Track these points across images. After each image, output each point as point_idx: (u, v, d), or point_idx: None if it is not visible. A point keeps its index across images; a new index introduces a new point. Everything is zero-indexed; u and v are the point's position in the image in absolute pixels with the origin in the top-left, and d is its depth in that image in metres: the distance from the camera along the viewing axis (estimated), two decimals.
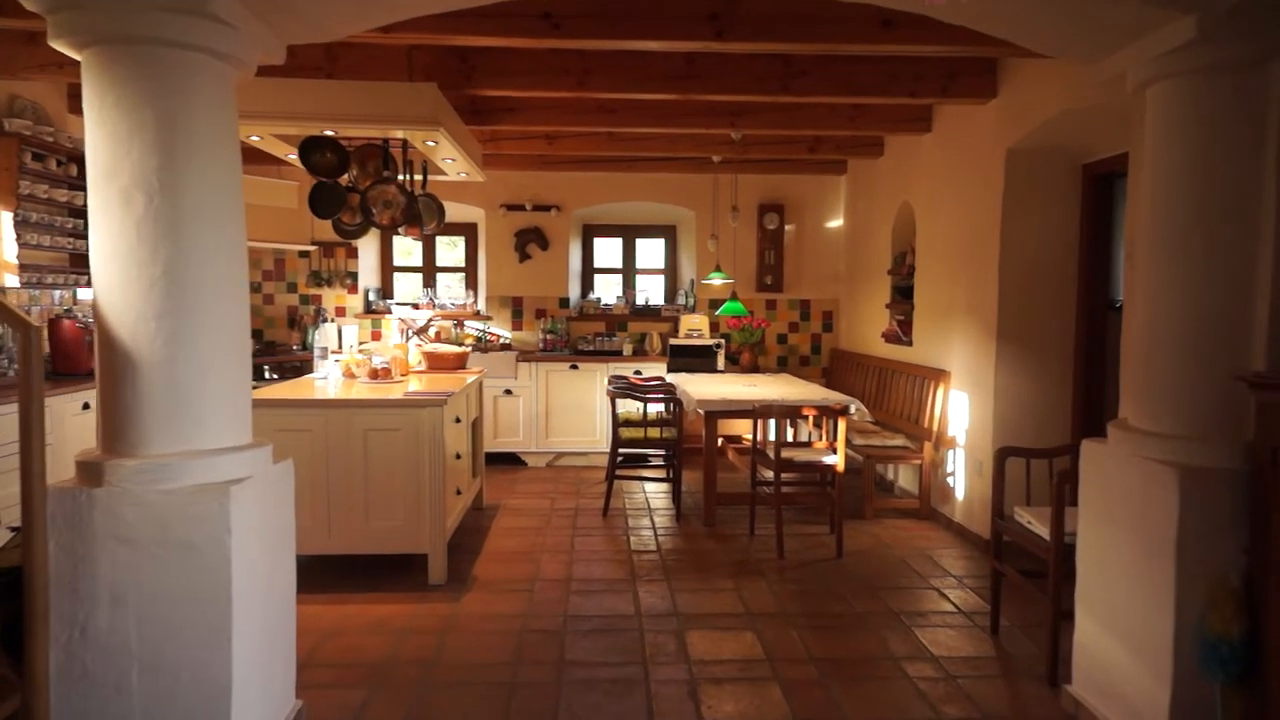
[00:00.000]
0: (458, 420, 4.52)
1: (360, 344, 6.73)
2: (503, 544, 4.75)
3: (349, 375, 4.78)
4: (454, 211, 7.10)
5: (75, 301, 5.29)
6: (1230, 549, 2.34)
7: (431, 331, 7.08)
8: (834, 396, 5.23)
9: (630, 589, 4.03)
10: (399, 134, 4.30)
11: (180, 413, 2.23)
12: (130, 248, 2.17)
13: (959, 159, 5.14)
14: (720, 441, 6.61)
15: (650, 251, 7.96)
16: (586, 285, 7.83)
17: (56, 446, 4.34)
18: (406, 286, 7.77)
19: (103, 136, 2.16)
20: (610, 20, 3.56)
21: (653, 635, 3.49)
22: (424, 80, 4.14)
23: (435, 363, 5.42)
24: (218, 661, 2.22)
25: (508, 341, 7.44)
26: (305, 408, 4.02)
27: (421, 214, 4.80)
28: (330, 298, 7.39)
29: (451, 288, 7.74)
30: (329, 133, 4.26)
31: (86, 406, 4.51)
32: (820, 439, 5.12)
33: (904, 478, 6.05)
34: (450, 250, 7.83)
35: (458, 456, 4.52)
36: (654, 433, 5.41)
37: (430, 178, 5.14)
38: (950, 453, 5.23)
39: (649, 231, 7.89)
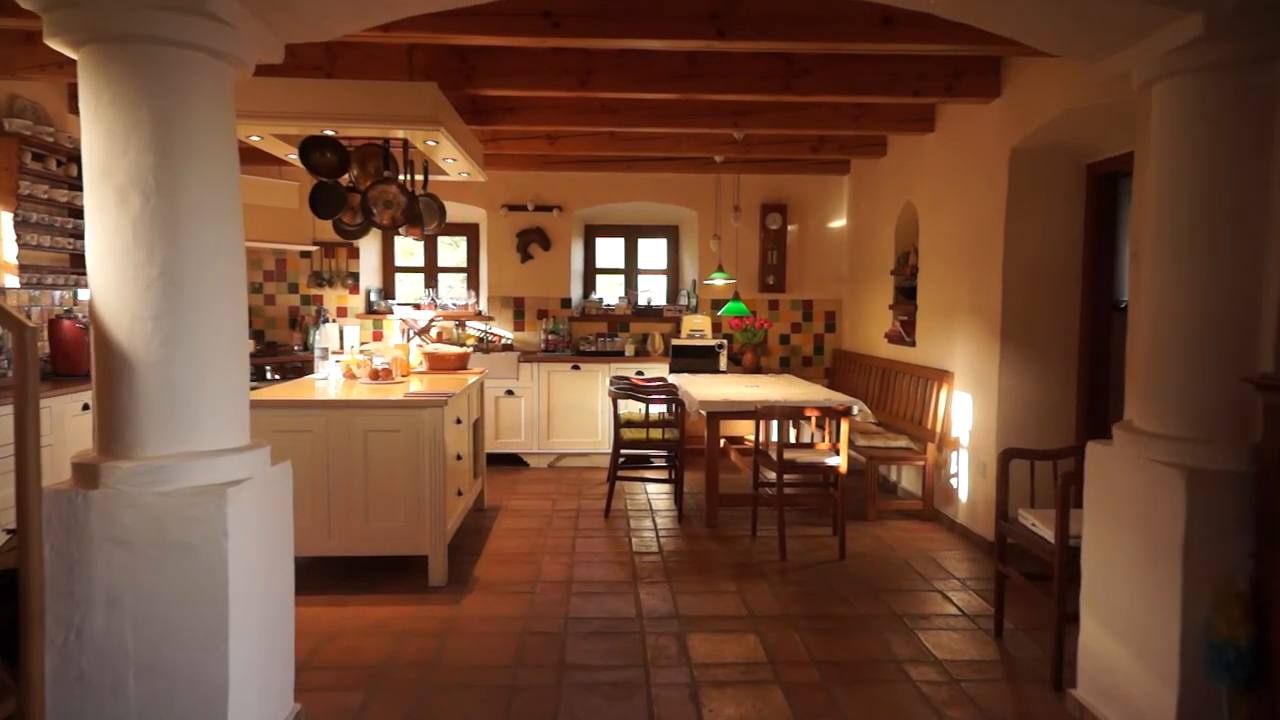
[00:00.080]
0: (458, 421, 4.51)
1: (362, 344, 6.73)
2: (504, 545, 4.73)
3: (349, 376, 4.77)
4: (455, 212, 7.09)
5: (76, 302, 5.29)
6: (1237, 552, 2.31)
7: (433, 332, 7.07)
8: (836, 397, 5.21)
9: (632, 591, 4.01)
10: (399, 134, 4.28)
11: (177, 414, 2.21)
12: (126, 247, 2.15)
13: (962, 158, 5.12)
14: (722, 442, 6.59)
15: (652, 252, 7.94)
16: (588, 285, 7.81)
17: (57, 447, 4.33)
18: (408, 287, 7.75)
19: (99, 135, 2.14)
20: (610, 19, 3.54)
21: (654, 638, 3.46)
22: (424, 80, 4.13)
23: (436, 363, 5.41)
24: (215, 664, 2.20)
25: (509, 342, 7.42)
26: (305, 408, 4.00)
27: (422, 214, 4.78)
28: (332, 298, 7.38)
29: (453, 288, 7.72)
30: (329, 132, 4.25)
31: (86, 407, 4.50)
32: (823, 440, 5.09)
33: (907, 479, 6.03)
34: (452, 251, 7.81)
35: (458, 457, 4.51)
36: (656, 434, 5.39)
37: (431, 178, 5.12)
38: (953, 454, 5.21)
39: (651, 232, 7.87)
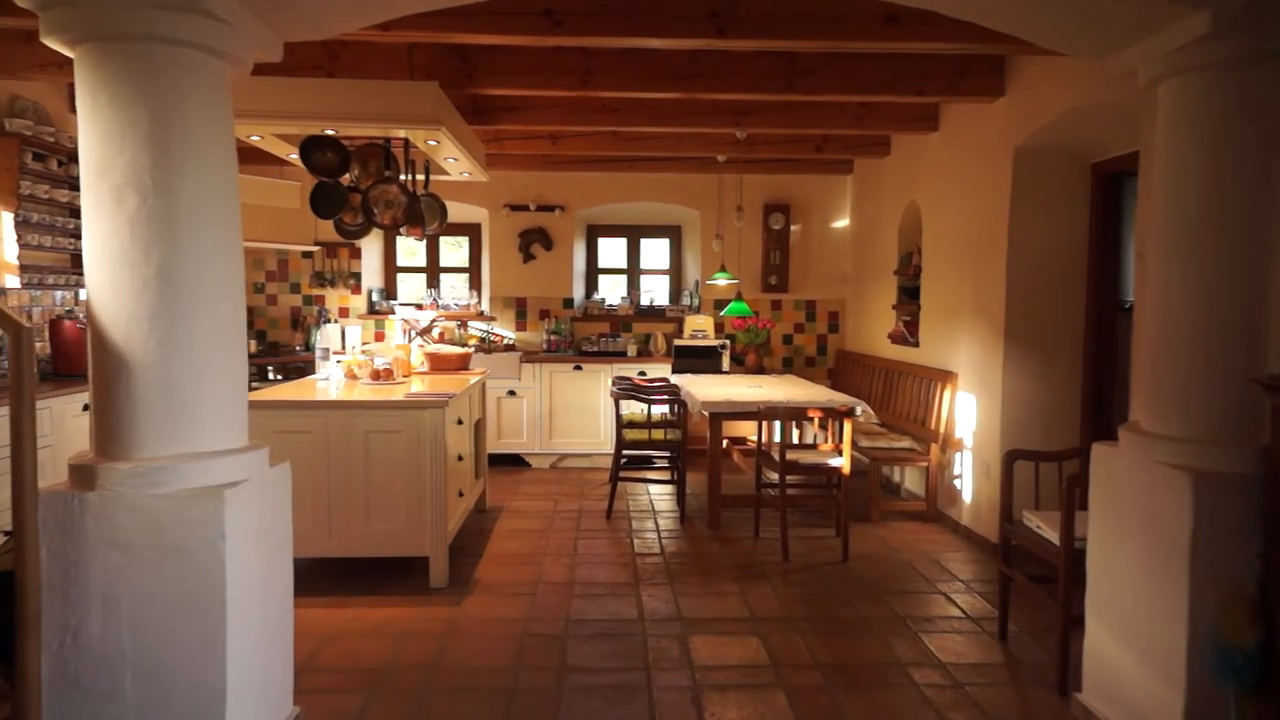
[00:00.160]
0: (460, 422, 4.49)
1: (363, 345, 6.72)
2: (505, 546, 4.71)
3: (351, 376, 4.75)
4: (457, 212, 7.08)
5: (77, 302, 5.28)
6: (1244, 555, 2.29)
7: (435, 332, 7.05)
8: (839, 398, 5.18)
9: (633, 593, 3.99)
10: (400, 133, 4.26)
11: (174, 415, 2.20)
12: (123, 247, 2.13)
13: (966, 158, 5.09)
14: (725, 443, 6.57)
15: (655, 252, 7.92)
16: (591, 286, 7.79)
17: (57, 448, 4.33)
18: (410, 287, 7.74)
19: (95, 134, 2.12)
20: (611, 17, 3.52)
21: (656, 640, 3.44)
22: (425, 79, 4.11)
23: (437, 364, 5.39)
24: (212, 668, 2.18)
25: (511, 342, 7.41)
26: (306, 409, 3.99)
27: (423, 214, 4.77)
28: (334, 298, 7.37)
29: (455, 288, 7.71)
30: (330, 132, 4.23)
31: (87, 408, 4.48)
32: (826, 441, 5.07)
33: (910, 480, 6.00)
34: (455, 251, 7.80)
35: (460, 458, 4.49)
36: (658, 434, 5.37)
37: (433, 178, 5.10)
38: (957, 455, 5.18)
39: (653, 232, 7.85)
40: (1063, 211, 4.53)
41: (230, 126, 2.35)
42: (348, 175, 4.53)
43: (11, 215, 4.55)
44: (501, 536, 4.91)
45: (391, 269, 7.68)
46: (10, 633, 2.02)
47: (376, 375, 4.65)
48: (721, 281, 6.64)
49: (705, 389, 5.51)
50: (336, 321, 7.24)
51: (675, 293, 7.85)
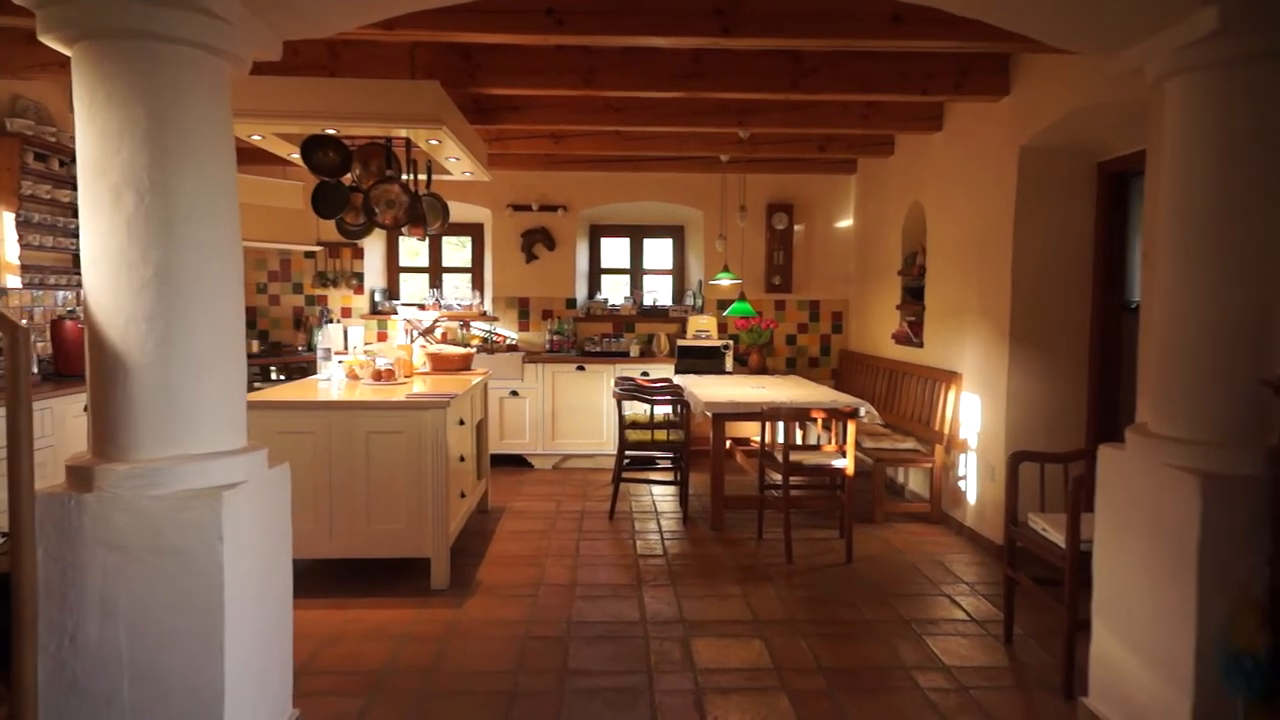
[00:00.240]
0: (461, 422, 4.47)
1: (366, 345, 6.71)
2: (507, 548, 4.69)
3: (352, 377, 4.74)
4: (460, 212, 7.07)
5: (78, 303, 5.27)
6: (1254, 559, 2.25)
7: (437, 332, 7.04)
8: (843, 399, 5.16)
9: (636, 594, 3.97)
10: (401, 132, 4.25)
11: (172, 416, 2.18)
12: (121, 247, 2.12)
13: (971, 158, 5.06)
14: (728, 444, 6.54)
15: (658, 252, 7.90)
16: (593, 286, 7.77)
17: (58, 448, 4.32)
18: (413, 287, 7.73)
19: (92, 134, 2.11)
20: (613, 16, 3.50)
21: (658, 643, 3.42)
22: (427, 78, 4.09)
23: (439, 364, 5.38)
24: (210, 670, 2.17)
25: (514, 342, 7.39)
26: (307, 410, 3.97)
27: (425, 214, 4.75)
28: (336, 298, 7.36)
29: (458, 288, 7.70)
30: (331, 131, 4.21)
31: (88, 408, 4.48)
32: (829, 442, 5.04)
33: (914, 481, 5.97)
34: (458, 251, 7.79)
35: (461, 459, 4.47)
36: (661, 435, 5.34)
37: (435, 177, 5.09)
38: (962, 456, 5.15)
39: (656, 232, 7.83)
40: (1068, 211, 4.50)
41: (229, 125, 2.34)
42: (349, 175, 4.52)
43: (13, 215, 4.55)
44: (503, 538, 4.89)
45: (394, 269, 7.66)
46: (7, 635, 2.00)
47: (378, 376, 4.63)
48: (725, 282, 6.62)
49: (708, 389, 5.48)
50: (339, 322, 7.23)
51: (678, 293, 7.83)
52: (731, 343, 7.05)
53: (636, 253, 7.84)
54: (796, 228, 7.48)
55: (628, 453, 5.40)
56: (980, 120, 4.91)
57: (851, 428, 4.58)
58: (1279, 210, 2.32)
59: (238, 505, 2.20)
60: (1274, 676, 2.17)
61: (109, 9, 2.05)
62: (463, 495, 4.52)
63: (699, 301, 7.54)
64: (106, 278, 2.13)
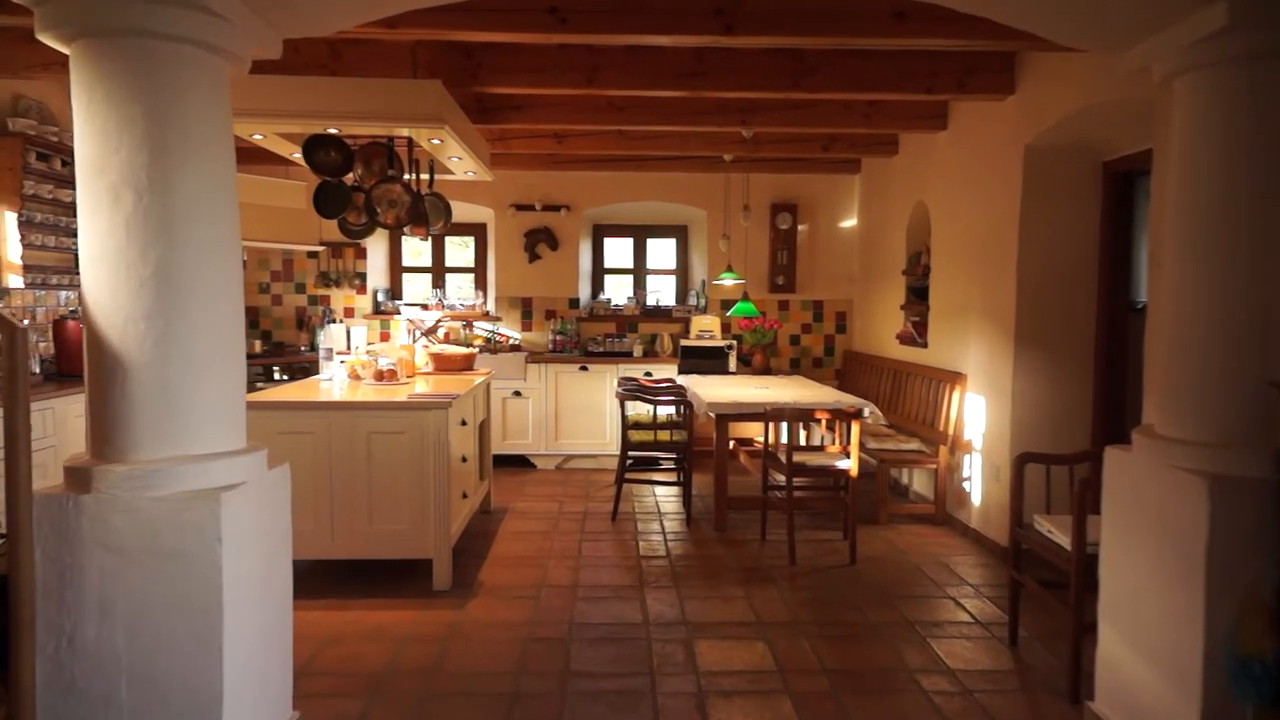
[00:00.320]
0: (464, 423, 4.46)
1: (368, 345, 6.70)
2: (509, 548, 4.68)
3: (354, 377, 4.73)
4: (463, 211, 7.05)
5: (81, 302, 5.26)
6: (1263, 562, 2.23)
7: (440, 332, 7.02)
8: (847, 399, 5.13)
9: (638, 596, 3.95)
10: (403, 132, 4.23)
11: (171, 417, 2.17)
12: (119, 246, 2.11)
13: (975, 157, 5.03)
14: (731, 445, 6.53)
15: (661, 252, 7.88)
16: (597, 286, 7.76)
17: (60, 448, 4.32)
18: (416, 287, 7.72)
19: (91, 132, 2.10)
20: (616, 14, 3.48)
21: (660, 645, 3.40)
22: (429, 77, 4.08)
23: (442, 364, 5.36)
24: (209, 672, 2.15)
25: (517, 342, 7.38)
26: (308, 410, 3.96)
27: (427, 214, 4.74)
28: (339, 298, 7.35)
29: (461, 288, 7.69)
30: (332, 131, 4.20)
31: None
32: (833, 442, 5.01)
33: (919, 482, 5.94)
34: (461, 251, 7.78)
35: (464, 459, 4.46)
36: (664, 435, 5.33)
37: (438, 177, 5.08)
38: (966, 457, 5.12)
39: (660, 231, 7.81)
40: (1073, 211, 4.47)
41: (229, 124, 2.32)
42: (351, 175, 4.51)
43: (15, 215, 4.54)
44: (506, 538, 4.87)
45: (397, 269, 7.66)
46: (5, 636, 1.99)
47: (380, 376, 4.62)
48: (728, 281, 6.59)
49: (711, 390, 5.46)
50: (342, 322, 7.22)
51: (681, 293, 7.81)
52: (735, 343, 7.02)
53: (640, 253, 7.82)
54: (800, 227, 7.46)
55: (631, 453, 5.38)
56: (985, 119, 4.89)
57: (855, 428, 4.56)
58: None
59: (237, 506, 2.19)
60: None
61: (107, 7, 2.04)
62: (465, 496, 4.51)
63: (702, 301, 7.52)
64: (105, 277, 2.12)
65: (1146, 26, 2.45)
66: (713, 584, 4.13)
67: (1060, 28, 2.69)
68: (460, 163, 4.83)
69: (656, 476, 6.16)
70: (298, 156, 4.48)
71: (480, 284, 7.62)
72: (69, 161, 4.97)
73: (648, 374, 6.75)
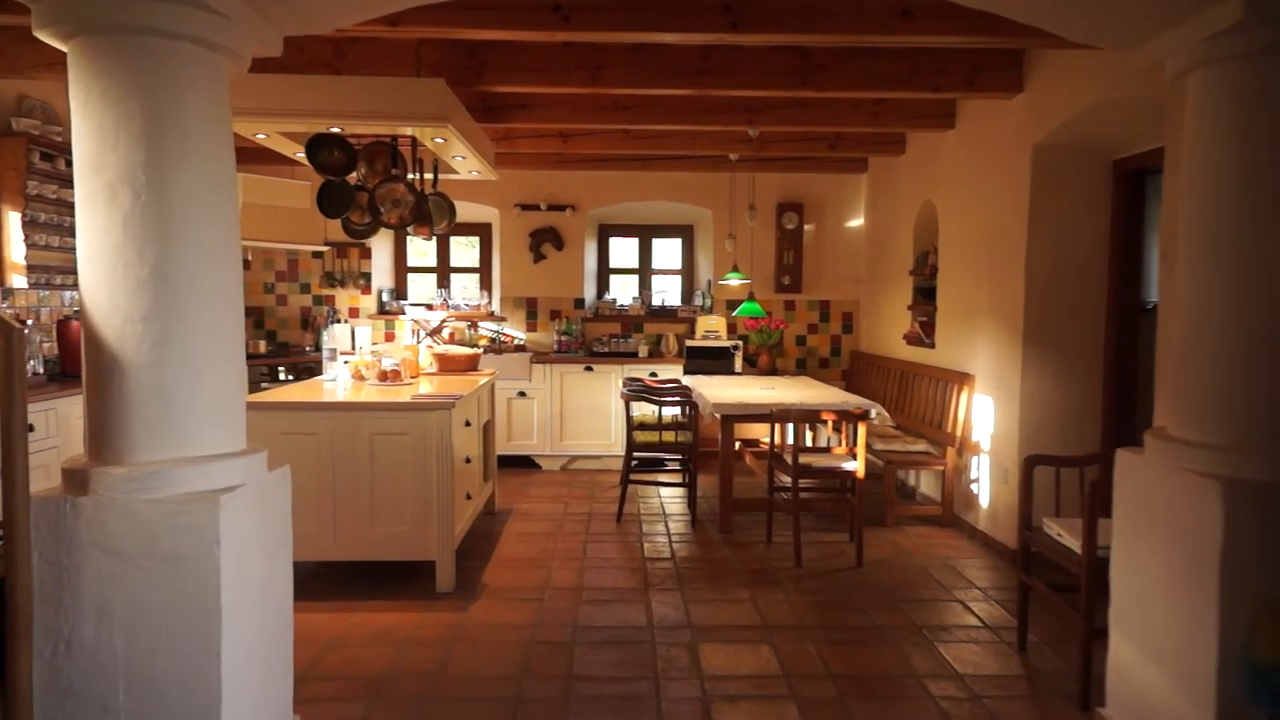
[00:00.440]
0: (468, 424, 4.43)
1: (373, 345, 6.68)
2: (513, 550, 4.65)
3: (358, 377, 4.71)
4: (468, 211, 7.03)
5: None
6: (1277, 568, 2.18)
7: (445, 333, 7.01)
8: (854, 400, 5.09)
9: (643, 598, 3.92)
10: (407, 130, 4.20)
11: (169, 418, 2.14)
12: (117, 245, 2.08)
13: (983, 156, 4.99)
14: (737, 446, 6.50)
15: (667, 252, 7.85)
16: (602, 286, 7.73)
17: (63, 449, 4.31)
18: (421, 287, 7.70)
19: (88, 130, 2.07)
20: (621, 11, 3.45)
21: (665, 648, 3.37)
22: (432, 76, 4.06)
23: (446, 364, 5.34)
24: (208, 676, 2.13)
25: (522, 343, 7.35)
26: (311, 411, 3.94)
27: (431, 213, 4.72)
28: (344, 298, 7.34)
29: (466, 288, 7.67)
30: (336, 130, 4.18)
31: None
32: (840, 444, 4.98)
33: (926, 484, 5.90)
34: (467, 251, 7.76)
35: (467, 460, 4.43)
36: (669, 436, 5.29)
37: (443, 176, 5.06)
38: (974, 459, 5.08)
39: (665, 231, 7.78)
40: (1083, 210, 4.43)
41: (228, 123, 2.30)
42: (354, 174, 4.49)
43: (19, 215, 4.53)
44: (510, 540, 4.85)
45: (402, 269, 7.64)
46: (2, 640, 1.97)
47: (384, 376, 4.60)
48: (734, 282, 6.56)
49: (717, 390, 5.43)
50: (346, 322, 7.21)
51: (687, 293, 7.77)
52: (741, 343, 6.99)
53: (645, 252, 7.79)
54: (806, 227, 7.42)
55: (636, 454, 5.35)
56: (993, 118, 4.84)
57: (862, 429, 4.52)
58: None
59: (236, 509, 2.16)
60: None
61: (105, 3, 2.01)
62: (469, 497, 4.48)
63: (708, 302, 7.49)
64: (102, 275, 2.09)
65: (1159, 22, 2.41)
66: (718, 587, 4.10)
67: (1071, 24, 2.64)
68: (464, 162, 4.81)
69: (662, 478, 6.13)
70: (301, 156, 4.46)
71: (485, 284, 7.60)
72: (73, 161, 4.96)
73: (653, 374, 6.72)
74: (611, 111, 5.10)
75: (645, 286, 7.72)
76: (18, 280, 4.57)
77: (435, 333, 6.92)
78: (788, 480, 4.62)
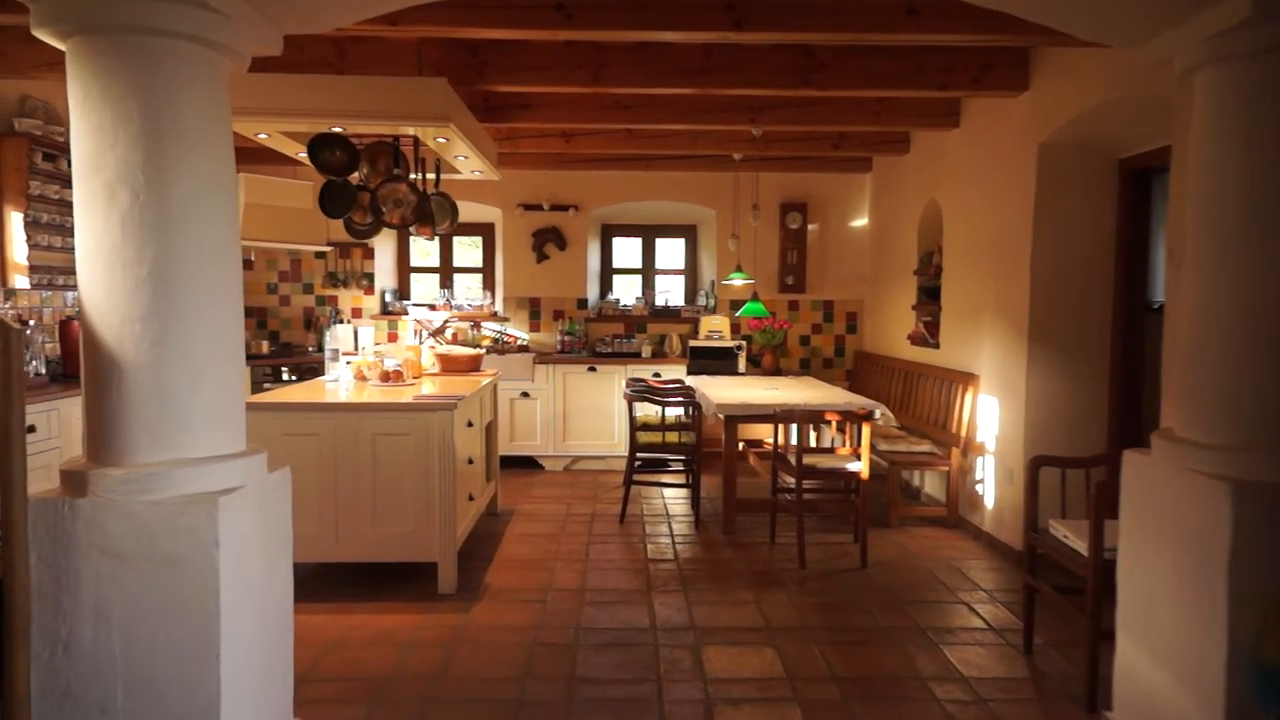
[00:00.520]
0: (470, 424, 4.42)
1: (375, 345, 6.67)
2: (516, 551, 4.63)
3: (360, 378, 4.70)
4: (471, 211, 7.02)
5: None
6: None
7: (448, 333, 6.99)
8: (858, 400, 5.07)
9: (646, 600, 3.90)
10: (409, 130, 4.19)
11: (167, 419, 2.13)
12: (115, 245, 2.07)
13: (988, 155, 4.96)
14: (741, 446, 6.47)
15: (670, 251, 7.83)
16: (605, 286, 7.71)
17: (65, 450, 4.30)
18: (424, 287, 7.69)
19: (86, 129, 2.06)
20: (623, 10, 3.44)
21: (668, 650, 3.35)
22: (434, 75, 4.04)
23: (448, 365, 5.33)
24: (206, 678, 2.11)
25: (525, 343, 7.34)
26: (313, 411, 3.93)
27: (433, 213, 4.70)
28: (347, 299, 7.33)
29: (469, 289, 7.65)
30: (337, 129, 4.17)
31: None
32: (844, 444, 4.96)
33: (930, 485, 5.87)
34: (470, 251, 7.75)
35: (470, 461, 4.42)
36: (673, 437, 5.27)
37: (445, 176, 5.05)
38: (979, 459, 5.05)
39: (669, 231, 7.76)
40: (1088, 209, 4.40)
41: (227, 122, 2.28)
42: (356, 174, 4.47)
43: (21, 216, 4.53)
44: (512, 540, 4.83)
45: (405, 269, 7.63)
46: (0, 642, 1.96)
47: (386, 377, 4.59)
48: (737, 281, 6.54)
49: (721, 391, 5.41)
50: (349, 322, 7.21)
51: (690, 293, 7.75)
52: (744, 343, 6.97)
53: (648, 252, 7.77)
54: (810, 227, 7.39)
55: (639, 455, 5.33)
56: (998, 116, 4.81)
57: (866, 430, 4.50)
58: None
59: (235, 511, 2.15)
60: None
61: (104, 2, 2.00)
62: (471, 498, 4.47)
63: (711, 302, 7.46)
64: (100, 275, 2.08)
65: (1167, 18, 2.38)
66: (721, 588, 4.08)
67: (1078, 21, 2.62)
68: (466, 162, 4.80)
69: (665, 478, 6.11)
70: (303, 156, 4.45)
71: (488, 284, 7.59)
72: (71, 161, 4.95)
73: (656, 375, 6.70)
74: (614, 111, 5.09)
75: (648, 286, 7.70)
76: (20, 281, 4.57)
77: (438, 333, 6.91)
78: (791, 481, 4.60)
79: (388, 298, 7.46)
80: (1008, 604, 3.87)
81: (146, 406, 2.11)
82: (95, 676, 2.09)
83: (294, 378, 6.43)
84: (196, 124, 2.14)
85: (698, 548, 4.75)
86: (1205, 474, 2.28)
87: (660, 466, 6.36)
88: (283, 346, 7.17)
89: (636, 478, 5.45)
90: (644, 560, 4.50)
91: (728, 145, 6.06)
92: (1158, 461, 2.49)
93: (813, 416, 4.62)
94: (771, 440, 4.99)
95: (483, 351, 5.64)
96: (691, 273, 7.78)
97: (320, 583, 4.03)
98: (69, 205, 4.86)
